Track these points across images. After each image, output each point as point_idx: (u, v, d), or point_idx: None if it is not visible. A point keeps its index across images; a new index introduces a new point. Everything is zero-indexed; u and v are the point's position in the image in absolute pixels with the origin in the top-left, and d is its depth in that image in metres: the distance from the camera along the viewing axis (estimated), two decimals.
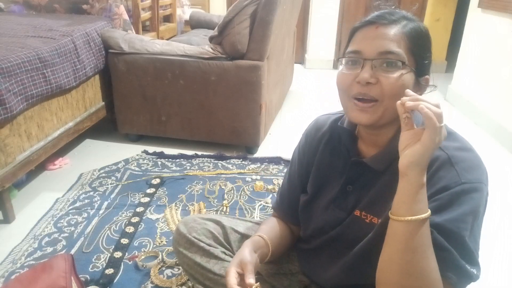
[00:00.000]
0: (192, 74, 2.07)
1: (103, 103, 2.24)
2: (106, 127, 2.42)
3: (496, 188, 1.91)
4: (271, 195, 1.79)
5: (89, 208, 1.67)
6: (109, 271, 1.31)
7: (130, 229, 1.52)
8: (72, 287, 1.07)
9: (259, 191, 1.83)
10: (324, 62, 4.23)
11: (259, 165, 2.09)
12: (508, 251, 1.49)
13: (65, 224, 1.56)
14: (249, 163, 2.11)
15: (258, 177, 1.95)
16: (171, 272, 1.31)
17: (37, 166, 1.74)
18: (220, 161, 2.12)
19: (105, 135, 2.39)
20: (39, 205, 1.70)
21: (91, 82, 2.11)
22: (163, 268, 1.32)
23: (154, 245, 1.45)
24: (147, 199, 1.74)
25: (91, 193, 1.78)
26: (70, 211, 1.64)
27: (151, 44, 2.11)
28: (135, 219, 1.59)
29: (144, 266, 1.33)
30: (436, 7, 3.86)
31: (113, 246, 1.43)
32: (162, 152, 2.19)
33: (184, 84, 2.10)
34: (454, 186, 0.68)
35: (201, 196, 1.78)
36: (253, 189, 1.84)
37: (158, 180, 1.89)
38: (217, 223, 1.05)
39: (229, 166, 2.07)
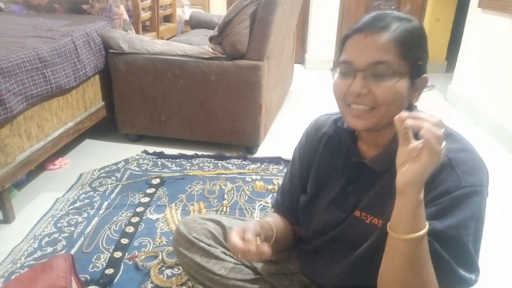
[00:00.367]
0: (192, 74, 2.07)
1: (103, 103, 2.24)
2: (106, 127, 2.42)
3: (496, 188, 1.91)
4: (271, 195, 1.79)
5: (89, 208, 1.67)
6: (109, 271, 1.31)
7: (130, 229, 1.52)
8: (72, 287, 1.07)
9: (259, 191, 1.83)
10: (324, 62, 4.23)
11: (259, 165, 2.09)
12: (508, 251, 1.49)
13: (65, 224, 1.56)
14: (249, 163, 2.11)
15: (258, 177, 1.95)
16: (171, 272, 1.31)
17: (37, 166, 1.74)
18: (220, 161, 2.12)
19: (105, 135, 2.39)
20: (39, 205, 1.70)
21: (91, 82, 2.11)
22: (163, 268, 1.32)
23: (154, 245, 1.45)
24: (147, 199, 1.74)
25: (91, 193, 1.78)
26: (70, 211, 1.64)
27: (151, 44, 2.11)
28: (135, 219, 1.59)
29: (144, 266, 1.33)
30: (436, 7, 3.87)
31: (113, 246, 1.43)
32: (162, 152, 2.19)
33: (184, 84, 2.10)
34: (455, 190, 0.68)
35: (201, 196, 1.78)
36: (253, 189, 1.84)
37: (158, 180, 1.89)
38: (217, 223, 1.05)
39: (229, 166, 2.07)
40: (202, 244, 0.99)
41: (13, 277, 1.26)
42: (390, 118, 0.72)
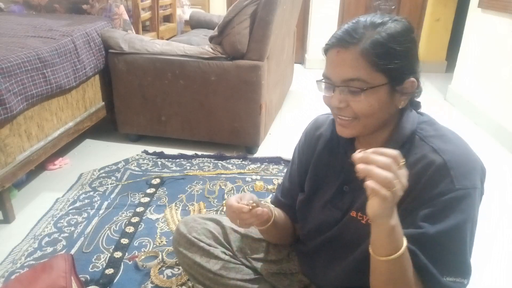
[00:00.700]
0: (192, 74, 2.07)
1: (103, 103, 2.24)
2: (106, 127, 2.42)
3: (495, 188, 1.91)
4: (271, 195, 1.79)
5: (89, 208, 1.67)
6: (109, 271, 1.31)
7: (130, 229, 1.52)
8: (72, 287, 1.07)
9: (259, 191, 1.83)
10: (324, 62, 4.23)
11: (259, 165, 2.09)
12: (506, 251, 1.49)
13: (65, 224, 1.56)
14: (249, 163, 2.11)
15: (258, 177, 1.95)
16: (171, 272, 1.31)
17: (37, 166, 1.74)
18: (220, 161, 2.12)
19: (105, 135, 2.39)
20: (39, 205, 1.70)
21: (91, 82, 2.11)
22: (163, 268, 1.32)
23: (154, 245, 1.45)
24: (147, 199, 1.74)
25: (91, 193, 1.78)
26: (70, 211, 1.64)
27: (151, 44, 2.11)
28: (135, 219, 1.59)
29: (144, 266, 1.33)
30: (436, 7, 3.86)
31: (113, 246, 1.43)
32: (162, 152, 2.19)
33: (184, 84, 2.10)
34: (448, 192, 0.69)
35: (201, 196, 1.78)
36: (253, 189, 1.84)
37: (158, 180, 1.89)
38: (217, 223, 1.05)
39: (229, 166, 2.07)
40: (202, 244, 0.99)
41: (13, 277, 1.26)
42: (374, 127, 0.75)
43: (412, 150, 0.75)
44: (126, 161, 2.09)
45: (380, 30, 0.70)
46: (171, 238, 1.18)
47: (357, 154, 0.61)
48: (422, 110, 0.83)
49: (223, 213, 1.66)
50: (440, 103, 3.24)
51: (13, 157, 1.55)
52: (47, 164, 1.99)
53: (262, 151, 2.26)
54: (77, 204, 1.70)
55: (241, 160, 2.14)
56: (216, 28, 2.04)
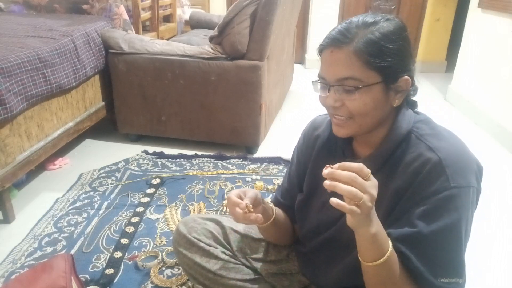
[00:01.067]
0: (192, 74, 2.07)
1: (103, 103, 2.24)
2: (106, 127, 2.42)
3: (495, 188, 1.91)
4: (271, 195, 1.79)
5: (89, 208, 1.67)
6: (109, 271, 1.31)
7: (130, 229, 1.52)
8: (72, 287, 1.07)
9: (259, 191, 1.83)
10: None
11: (259, 165, 2.09)
12: (507, 251, 1.49)
13: (65, 224, 1.56)
14: (249, 163, 2.11)
15: (258, 177, 1.95)
16: (171, 272, 1.31)
17: (37, 166, 1.75)
18: (220, 161, 2.12)
19: (105, 135, 2.39)
20: (39, 205, 1.70)
21: (91, 82, 2.11)
22: (163, 268, 1.32)
23: (154, 245, 1.45)
24: (147, 199, 1.74)
25: (91, 193, 1.78)
26: (70, 211, 1.64)
27: (151, 44, 2.11)
28: (135, 219, 1.59)
29: (144, 266, 1.33)
30: (436, 7, 3.86)
31: (113, 246, 1.43)
32: (162, 152, 2.19)
33: (184, 84, 2.10)
34: (443, 190, 0.69)
35: (201, 196, 1.78)
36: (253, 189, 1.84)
37: (158, 180, 1.89)
38: (217, 223, 1.05)
39: (229, 166, 2.07)
40: (202, 244, 0.99)
41: (13, 277, 1.26)
42: (369, 126, 0.75)
43: (408, 148, 0.75)
44: (126, 161, 2.09)
45: (373, 29, 0.71)
46: (171, 238, 1.18)
47: (324, 171, 0.63)
48: (422, 110, 0.83)
49: (223, 213, 1.66)
50: (440, 103, 3.24)
51: (13, 157, 1.55)
52: (47, 164, 1.99)
53: (262, 151, 2.26)
54: (77, 204, 1.70)
55: (241, 160, 2.14)
56: (216, 28, 2.04)
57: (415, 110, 0.82)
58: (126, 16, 2.39)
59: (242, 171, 2.01)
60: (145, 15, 2.68)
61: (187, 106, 2.15)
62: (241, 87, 2.06)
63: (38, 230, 1.52)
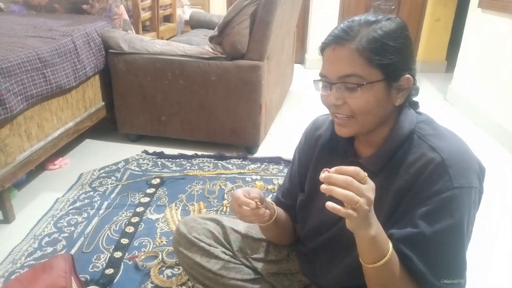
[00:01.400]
0: (192, 74, 2.07)
1: (103, 103, 2.24)
2: (106, 127, 2.42)
3: (496, 188, 1.91)
4: (271, 195, 1.79)
5: (89, 208, 1.67)
6: (109, 271, 1.31)
7: (130, 229, 1.52)
8: (72, 287, 1.07)
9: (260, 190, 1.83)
10: None
11: (259, 165, 2.09)
12: (508, 251, 1.49)
13: (65, 224, 1.56)
14: (249, 163, 2.11)
15: (258, 177, 1.95)
16: (171, 272, 1.31)
17: (37, 166, 1.74)
18: (220, 161, 2.11)
19: (105, 135, 2.39)
20: (39, 205, 1.70)
21: (91, 82, 2.11)
22: (163, 268, 1.32)
23: (154, 245, 1.45)
24: (147, 199, 1.74)
25: (91, 193, 1.78)
26: (70, 211, 1.64)
27: (151, 44, 2.11)
28: (135, 219, 1.59)
29: (144, 266, 1.33)
30: (436, 7, 3.86)
31: (113, 246, 1.43)
32: (162, 152, 2.19)
33: (184, 84, 2.10)
34: (445, 190, 0.69)
35: (201, 196, 1.78)
36: None
37: (158, 180, 1.89)
38: (217, 223, 1.05)
39: (229, 166, 2.07)
40: (202, 244, 0.99)
41: (13, 277, 1.26)
42: (371, 125, 0.75)
43: (410, 149, 0.75)
44: (126, 161, 2.09)
45: (375, 27, 0.71)
46: (171, 238, 1.18)
47: (321, 174, 0.63)
48: (422, 110, 0.83)
49: (223, 213, 1.66)
50: (440, 103, 3.24)
51: (13, 157, 1.55)
52: (47, 164, 1.99)
53: (262, 151, 2.26)
54: (77, 204, 1.70)
55: (241, 160, 2.14)
56: (216, 28, 2.03)
57: (417, 110, 0.82)
58: (126, 16, 2.39)
59: (242, 171, 2.01)
60: (145, 15, 2.68)
61: (187, 106, 2.15)
62: (241, 87, 2.06)
63: (38, 230, 1.52)
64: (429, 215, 0.69)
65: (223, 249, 1.01)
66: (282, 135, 2.51)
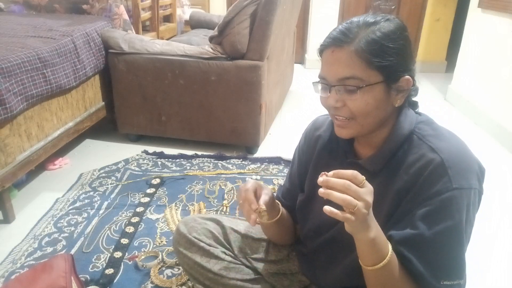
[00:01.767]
0: (192, 74, 2.07)
1: (103, 103, 2.24)
2: (106, 127, 2.42)
3: (495, 188, 1.91)
4: None
5: (89, 208, 1.67)
6: (109, 271, 1.31)
7: (130, 229, 1.52)
8: (72, 287, 1.07)
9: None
10: None
11: (259, 165, 2.09)
12: (507, 251, 1.50)
13: (65, 224, 1.56)
14: (249, 163, 2.11)
15: (258, 177, 1.95)
16: (171, 272, 1.31)
17: (37, 166, 1.74)
18: (220, 161, 2.12)
19: (105, 135, 2.39)
20: (39, 205, 1.70)
21: (91, 82, 2.11)
22: (163, 268, 1.32)
23: (154, 245, 1.45)
24: (147, 199, 1.74)
25: (91, 193, 1.78)
26: (70, 211, 1.64)
27: (151, 44, 2.11)
28: (135, 219, 1.59)
29: (144, 266, 1.33)
30: (436, 7, 3.86)
31: (113, 246, 1.43)
32: (162, 152, 2.19)
33: (184, 84, 2.10)
34: (445, 191, 0.69)
35: (201, 196, 1.78)
36: None
37: (158, 180, 1.89)
38: (217, 223, 1.05)
39: (229, 166, 2.07)
40: (202, 244, 0.99)
41: (13, 277, 1.26)
42: (373, 126, 0.75)
43: (410, 149, 0.75)
44: (126, 161, 2.09)
45: (374, 29, 0.71)
46: (171, 238, 1.18)
47: (319, 178, 0.63)
48: (421, 110, 0.83)
49: (223, 213, 1.66)
50: (440, 103, 3.24)
51: (13, 157, 1.55)
52: (47, 164, 1.99)
53: (262, 151, 2.26)
54: (77, 204, 1.70)
55: (241, 160, 2.14)
56: (216, 28, 2.04)
57: (417, 111, 0.82)
58: (126, 16, 2.39)
59: (242, 171, 2.01)
60: (145, 15, 2.68)
61: (187, 106, 2.15)
62: (241, 87, 2.06)
63: (38, 230, 1.52)
64: (429, 216, 0.69)
65: (223, 249, 1.01)
66: (282, 135, 2.51)
